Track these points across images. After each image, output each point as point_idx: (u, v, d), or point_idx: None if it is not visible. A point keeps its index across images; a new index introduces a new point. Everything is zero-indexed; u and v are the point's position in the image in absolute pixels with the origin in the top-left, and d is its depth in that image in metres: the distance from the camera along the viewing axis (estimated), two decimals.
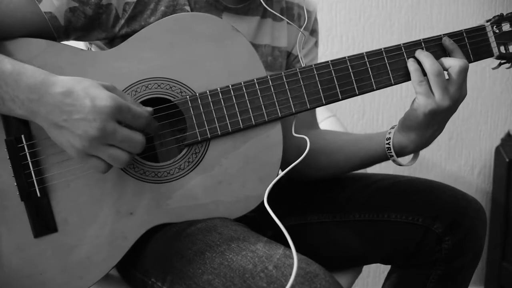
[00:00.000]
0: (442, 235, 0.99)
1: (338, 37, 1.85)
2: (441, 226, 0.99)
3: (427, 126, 0.89)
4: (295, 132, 0.90)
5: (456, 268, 1.02)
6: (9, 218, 0.81)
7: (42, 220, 0.81)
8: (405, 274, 1.08)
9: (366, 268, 1.34)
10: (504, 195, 1.98)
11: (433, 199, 1.02)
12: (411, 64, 0.88)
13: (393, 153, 0.94)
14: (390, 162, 0.97)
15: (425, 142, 0.93)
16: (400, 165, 0.97)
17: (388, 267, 1.14)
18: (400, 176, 1.11)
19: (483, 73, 2.05)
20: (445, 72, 0.88)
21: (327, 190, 1.11)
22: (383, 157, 0.97)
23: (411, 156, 0.98)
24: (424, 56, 0.88)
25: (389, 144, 0.94)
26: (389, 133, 0.95)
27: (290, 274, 0.67)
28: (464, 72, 0.87)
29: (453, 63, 0.87)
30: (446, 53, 0.91)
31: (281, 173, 0.81)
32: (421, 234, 1.00)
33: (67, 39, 0.88)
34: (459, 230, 0.99)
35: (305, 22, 1.03)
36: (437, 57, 0.89)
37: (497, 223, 2.00)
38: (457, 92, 0.87)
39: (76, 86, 0.73)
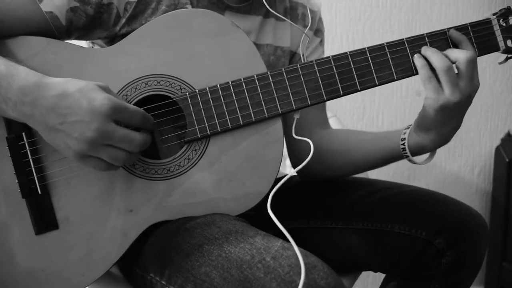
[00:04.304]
0: (443, 250, 0.98)
1: (338, 37, 1.85)
2: (442, 241, 0.98)
3: (444, 123, 0.88)
4: (309, 133, 0.89)
5: (454, 282, 1.00)
6: (11, 215, 0.81)
7: (43, 217, 0.81)
8: (403, 284, 1.07)
9: None
10: (504, 195, 1.98)
11: (436, 213, 1.01)
12: (417, 60, 0.86)
13: (409, 154, 0.93)
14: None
15: (445, 139, 0.91)
16: (415, 163, 0.96)
17: None
18: (404, 185, 1.10)
19: (483, 73, 2.06)
20: (454, 66, 0.86)
21: (330, 195, 1.10)
22: (400, 157, 0.96)
23: (426, 155, 0.96)
24: (431, 52, 0.86)
25: (404, 145, 0.93)
26: (404, 133, 0.94)
27: (288, 265, 0.67)
28: (472, 63, 0.84)
29: (460, 55, 0.85)
30: (451, 46, 0.88)
31: (285, 178, 0.80)
32: (422, 247, 0.99)
33: (69, 38, 0.88)
34: (460, 245, 0.98)
35: (310, 23, 1.03)
36: (444, 51, 0.87)
37: (497, 223, 2.00)
38: (468, 85, 0.85)
39: (71, 88, 0.72)
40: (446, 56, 0.85)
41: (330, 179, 1.12)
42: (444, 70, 0.84)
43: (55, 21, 0.83)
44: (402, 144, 0.94)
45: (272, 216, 0.73)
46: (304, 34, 1.00)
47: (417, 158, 0.96)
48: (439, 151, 0.96)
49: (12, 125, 0.80)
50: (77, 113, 0.71)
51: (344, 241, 1.06)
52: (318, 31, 1.10)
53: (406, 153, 0.94)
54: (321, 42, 1.12)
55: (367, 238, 1.04)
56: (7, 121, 0.80)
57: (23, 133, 0.80)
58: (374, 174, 1.27)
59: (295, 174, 0.97)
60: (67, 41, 0.87)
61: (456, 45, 0.89)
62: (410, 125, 0.95)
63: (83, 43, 0.97)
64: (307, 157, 0.81)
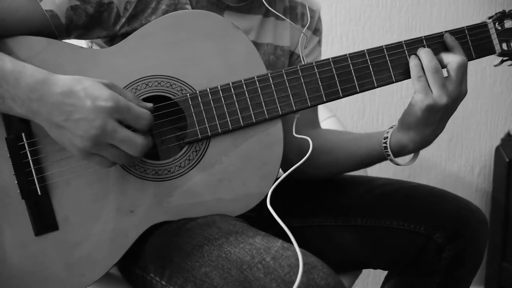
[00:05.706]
0: (443, 245, 0.98)
1: (338, 37, 1.85)
2: (442, 235, 0.98)
3: (426, 124, 0.89)
4: (297, 132, 0.90)
5: (455, 278, 1.01)
6: (10, 216, 0.81)
7: (43, 218, 0.81)
8: (403, 282, 1.07)
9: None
10: (504, 195, 1.98)
11: (436, 208, 1.01)
12: (411, 60, 0.88)
13: (390, 153, 0.94)
14: (390, 162, 0.97)
15: (425, 141, 0.92)
16: (397, 164, 0.96)
17: None
18: (404, 182, 1.10)
19: (483, 73, 2.06)
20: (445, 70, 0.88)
21: (329, 193, 1.10)
22: (382, 157, 0.97)
23: (410, 156, 0.97)
24: (423, 52, 0.87)
25: (386, 143, 0.94)
26: (387, 132, 0.95)
27: (288, 265, 0.67)
28: (462, 68, 0.86)
29: (451, 59, 0.86)
30: (447, 50, 0.90)
31: (284, 174, 0.80)
32: (422, 242, 1.00)
33: (68, 37, 0.88)
34: (460, 240, 0.98)
35: (308, 22, 1.03)
36: (438, 54, 0.88)
37: (497, 223, 2.00)
38: (456, 90, 0.86)
39: (76, 86, 0.73)
40: (439, 60, 0.87)
41: (323, 179, 1.12)
42: (431, 70, 0.85)
43: (55, 20, 0.83)
44: (384, 143, 0.94)
45: (272, 212, 0.73)
46: (302, 33, 1.00)
47: (400, 160, 0.96)
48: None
49: (12, 125, 0.80)
50: (80, 111, 0.71)
51: (343, 239, 1.06)
52: (316, 31, 1.10)
53: (388, 151, 0.94)
54: (319, 42, 1.12)
55: (367, 235, 1.04)
56: (6, 121, 0.80)
57: (23, 134, 0.80)
58: (374, 173, 1.28)
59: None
60: (66, 40, 0.87)
61: (450, 50, 0.90)
62: (394, 125, 0.95)
63: (82, 43, 0.97)
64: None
